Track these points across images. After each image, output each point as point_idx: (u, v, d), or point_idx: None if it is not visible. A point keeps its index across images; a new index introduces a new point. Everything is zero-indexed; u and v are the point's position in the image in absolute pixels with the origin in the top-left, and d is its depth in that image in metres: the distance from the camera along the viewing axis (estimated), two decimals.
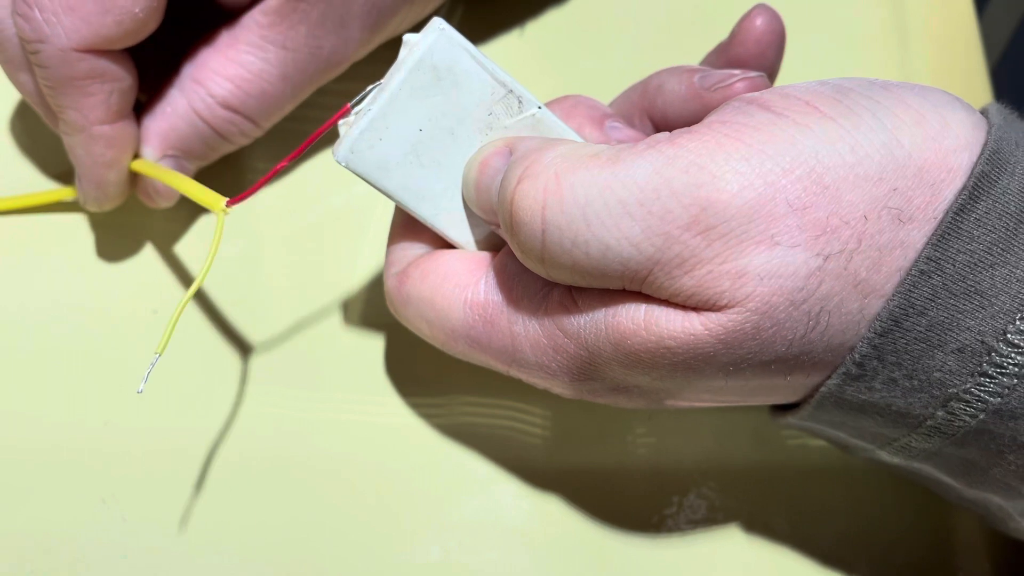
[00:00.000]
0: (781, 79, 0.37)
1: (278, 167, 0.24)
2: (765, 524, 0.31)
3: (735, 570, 0.30)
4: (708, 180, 0.21)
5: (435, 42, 0.23)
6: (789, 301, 0.21)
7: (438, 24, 0.24)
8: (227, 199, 0.25)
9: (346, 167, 0.24)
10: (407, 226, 0.27)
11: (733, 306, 0.21)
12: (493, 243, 0.26)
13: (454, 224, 0.26)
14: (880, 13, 0.37)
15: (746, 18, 0.27)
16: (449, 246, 0.27)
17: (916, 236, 0.21)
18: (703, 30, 0.35)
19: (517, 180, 0.22)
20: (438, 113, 0.24)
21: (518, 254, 0.23)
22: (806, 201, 0.21)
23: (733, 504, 0.31)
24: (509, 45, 0.36)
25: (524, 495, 0.30)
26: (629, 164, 0.21)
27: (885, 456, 0.25)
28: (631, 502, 0.31)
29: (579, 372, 0.24)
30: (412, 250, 0.27)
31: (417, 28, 0.25)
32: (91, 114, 0.27)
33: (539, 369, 0.24)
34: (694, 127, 0.22)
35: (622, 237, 0.21)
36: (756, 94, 0.22)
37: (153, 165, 0.29)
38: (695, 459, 0.31)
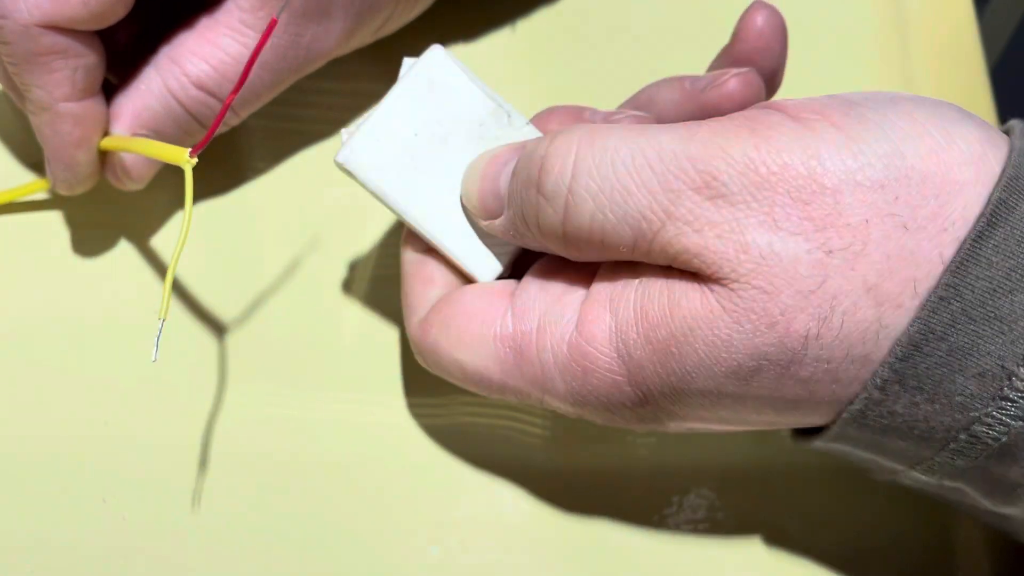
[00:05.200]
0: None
1: (228, 99, 0.25)
2: (765, 524, 0.31)
3: (735, 570, 0.30)
4: (720, 154, 0.22)
5: (432, 58, 0.26)
6: (794, 289, 0.22)
7: (436, 46, 0.26)
8: (190, 149, 0.25)
9: (344, 167, 0.26)
10: (418, 271, 0.27)
11: (738, 280, 0.22)
12: (479, 253, 0.27)
13: (443, 231, 0.26)
14: (880, 14, 0.37)
15: (746, 16, 0.27)
16: (464, 278, 0.27)
17: (927, 246, 0.21)
18: (697, 29, 0.35)
19: (551, 139, 0.24)
20: (432, 120, 0.26)
21: (535, 212, 0.24)
22: (807, 196, 0.22)
23: (733, 504, 0.31)
24: (503, 44, 0.36)
25: (524, 495, 0.30)
26: (655, 131, 0.23)
27: (914, 475, 0.25)
28: (631, 502, 0.31)
29: (609, 390, 0.24)
30: (429, 294, 0.27)
31: (412, 42, 0.27)
32: (56, 91, 0.27)
33: (569, 396, 0.25)
34: (714, 118, 0.23)
35: (642, 184, 0.22)
36: (775, 101, 0.24)
37: (119, 138, 0.28)
38: (695, 459, 0.31)
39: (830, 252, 0.21)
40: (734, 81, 0.26)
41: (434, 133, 0.26)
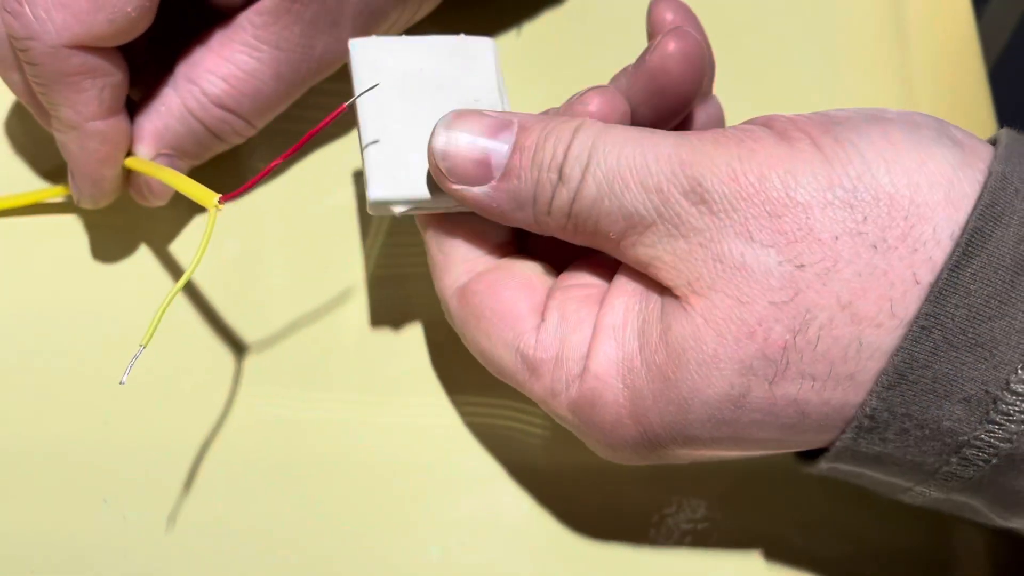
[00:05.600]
0: (780, 77, 0.37)
1: (272, 164, 0.25)
2: (764, 524, 0.31)
3: (733, 570, 0.30)
4: (707, 162, 0.23)
5: (479, 38, 0.28)
6: (768, 300, 0.22)
7: (490, 39, 0.29)
8: (220, 195, 0.25)
9: (350, 51, 0.28)
10: (471, 226, 0.27)
11: (713, 288, 0.23)
12: (388, 176, 0.26)
13: (376, 141, 0.27)
14: (879, 13, 0.37)
15: (653, 11, 0.29)
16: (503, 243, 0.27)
17: (899, 267, 0.22)
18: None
19: (575, 127, 0.25)
20: (441, 71, 0.28)
21: (551, 191, 0.24)
22: (779, 209, 0.22)
23: (732, 506, 0.31)
24: (506, 46, 0.36)
25: (524, 495, 0.31)
26: (659, 136, 0.24)
27: (915, 494, 0.25)
28: (631, 502, 0.31)
29: (613, 426, 0.25)
30: (472, 257, 0.27)
31: (411, 32, 0.28)
32: (85, 110, 0.27)
33: (574, 426, 0.26)
34: (708, 129, 0.25)
35: (640, 182, 0.24)
36: (767, 117, 0.24)
37: (147, 162, 0.29)
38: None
39: (801, 266, 0.22)
40: (670, 40, 0.27)
41: (434, 79, 0.27)
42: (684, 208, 0.23)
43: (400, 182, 0.26)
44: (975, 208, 0.22)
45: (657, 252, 0.24)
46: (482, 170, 0.25)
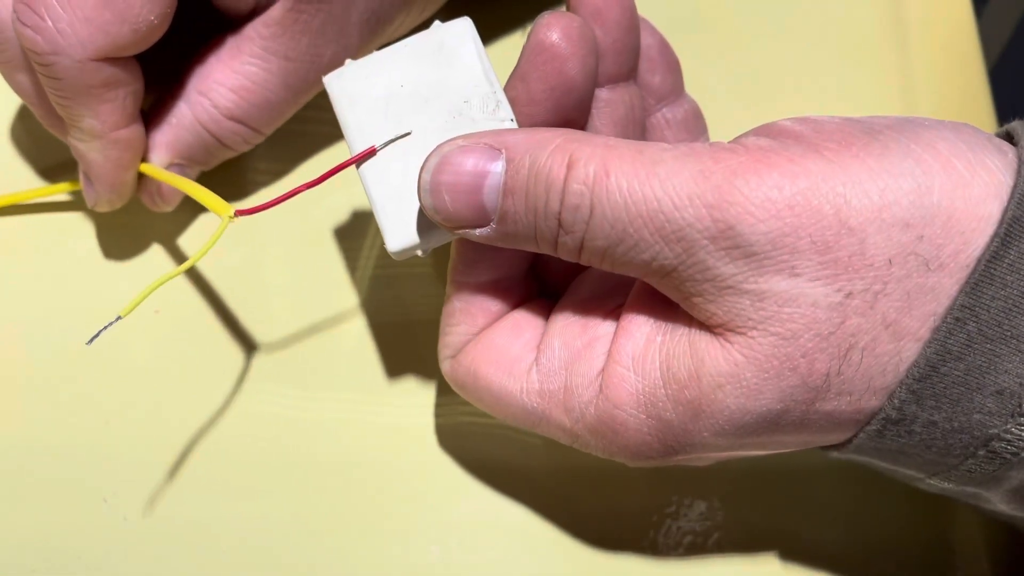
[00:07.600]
0: (780, 77, 0.37)
1: (294, 191, 0.25)
2: (764, 523, 0.31)
3: (733, 568, 0.30)
4: (738, 200, 0.21)
5: (455, 24, 0.26)
6: (814, 332, 0.21)
7: (466, 18, 0.26)
8: (236, 209, 0.25)
9: (327, 88, 0.26)
10: (464, 311, 0.27)
11: (756, 327, 0.22)
12: (401, 222, 0.25)
13: (379, 185, 0.26)
14: (879, 14, 0.37)
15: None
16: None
17: (947, 283, 0.21)
18: (703, 31, 0.35)
19: (567, 167, 0.22)
20: (424, 79, 0.26)
21: (553, 237, 0.23)
22: (829, 241, 0.21)
23: (732, 503, 0.31)
24: (510, 46, 0.36)
25: (524, 495, 0.31)
26: (670, 167, 0.22)
27: (933, 483, 0.25)
28: (631, 502, 0.31)
29: (638, 447, 0.24)
30: (466, 335, 0.27)
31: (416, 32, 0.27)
32: (109, 119, 0.27)
33: (598, 449, 0.25)
34: (733, 145, 0.22)
35: (655, 231, 0.22)
36: (789, 125, 0.23)
37: (161, 170, 0.29)
38: None
39: (850, 295, 0.21)
40: (551, 17, 0.24)
41: (419, 92, 0.26)
42: (712, 254, 0.21)
43: (414, 225, 0.25)
44: (1011, 197, 0.21)
45: (687, 290, 0.22)
46: (479, 214, 0.24)
